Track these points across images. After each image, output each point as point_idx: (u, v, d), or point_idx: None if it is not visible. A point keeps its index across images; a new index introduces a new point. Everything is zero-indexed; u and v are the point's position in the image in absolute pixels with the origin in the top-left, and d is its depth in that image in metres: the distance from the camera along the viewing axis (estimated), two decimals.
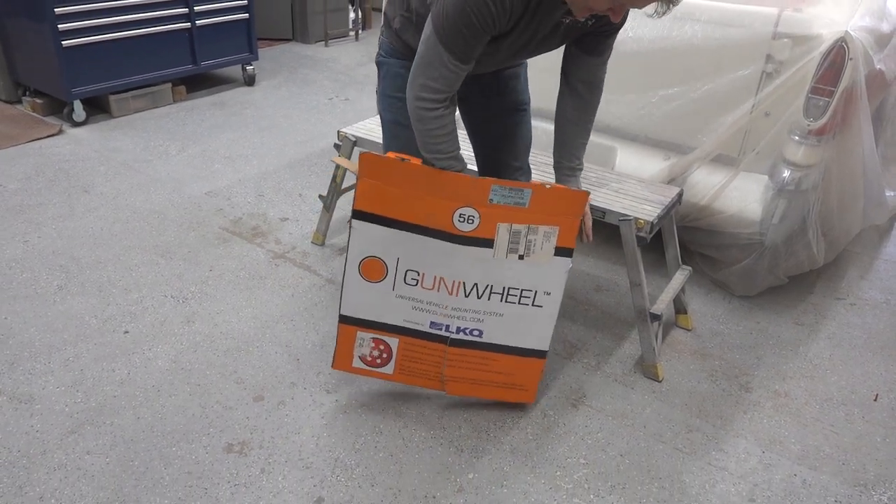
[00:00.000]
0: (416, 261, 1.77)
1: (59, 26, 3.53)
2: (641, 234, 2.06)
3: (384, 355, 1.91)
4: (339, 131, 2.64)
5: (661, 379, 2.16)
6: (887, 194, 3.00)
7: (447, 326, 1.84)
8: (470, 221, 1.70)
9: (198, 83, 4.54)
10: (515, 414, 1.99)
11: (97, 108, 3.99)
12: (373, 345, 1.89)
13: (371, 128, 2.68)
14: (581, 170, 1.88)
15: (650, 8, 1.39)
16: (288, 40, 5.89)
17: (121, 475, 1.73)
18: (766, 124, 2.31)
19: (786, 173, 2.28)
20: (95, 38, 3.70)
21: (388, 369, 1.93)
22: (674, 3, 1.37)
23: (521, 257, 1.75)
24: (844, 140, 2.30)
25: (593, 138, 2.72)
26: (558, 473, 1.81)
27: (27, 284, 2.45)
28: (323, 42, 5.83)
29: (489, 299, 1.80)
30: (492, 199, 1.67)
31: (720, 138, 2.39)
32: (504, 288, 1.79)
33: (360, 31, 6.15)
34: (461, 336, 1.85)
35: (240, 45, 4.51)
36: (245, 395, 2.01)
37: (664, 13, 1.39)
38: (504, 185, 1.66)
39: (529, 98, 1.98)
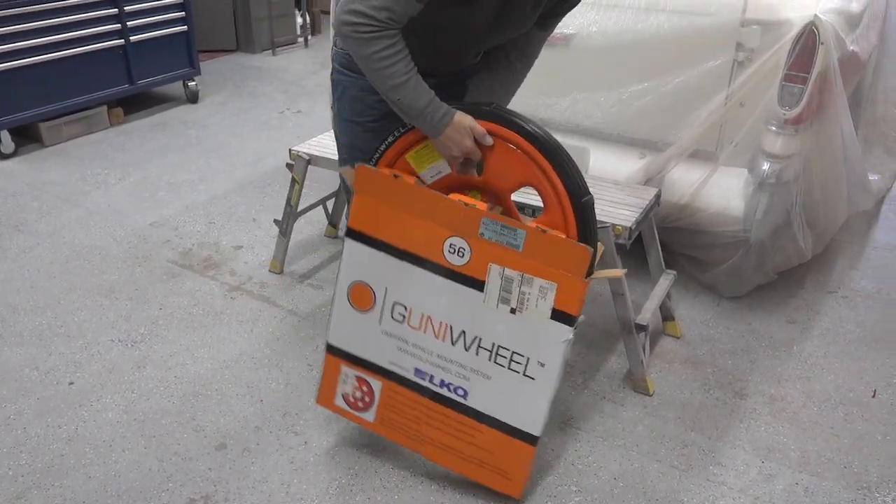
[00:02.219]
0: (404, 293, 1.78)
1: None
2: (620, 241, 2.09)
3: (366, 398, 1.90)
4: (290, 150, 2.64)
5: (651, 393, 2.18)
6: (871, 178, 3.09)
7: (431, 377, 1.82)
8: (461, 254, 1.70)
9: (136, 104, 4.48)
10: None
11: (27, 136, 3.92)
12: (356, 384, 1.89)
13: (326, 144, 2.67)
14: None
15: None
16: (232, 51, 5.86)
17: None
18: (742, 115, 2.36)
19: (765, 166, 2.33)
20: (21, 62, 3.65)
21: (370, 416, 1.91)
22: None
23: (513, 311, 1.69)
24: (822, 127, 2.36)
25: (564, 139, 2.75)
26: (549, 503, 1.82)
27: None
28: (270, 51, 5.81)
29: (477, 354, 1.76)
30: (482, 234, 1.66)
31: (696, 133, 2.44)
32: (493, 344, 1.74)
33: (308, 37, 6.15)
34: (445, 391, 1.82)
35: (179, 59, 4.48)
36: (206, 444, 1.98)
37: None
38: (495, 218, 1.64)
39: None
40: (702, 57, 2.36)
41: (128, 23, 4.07)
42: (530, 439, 1.75)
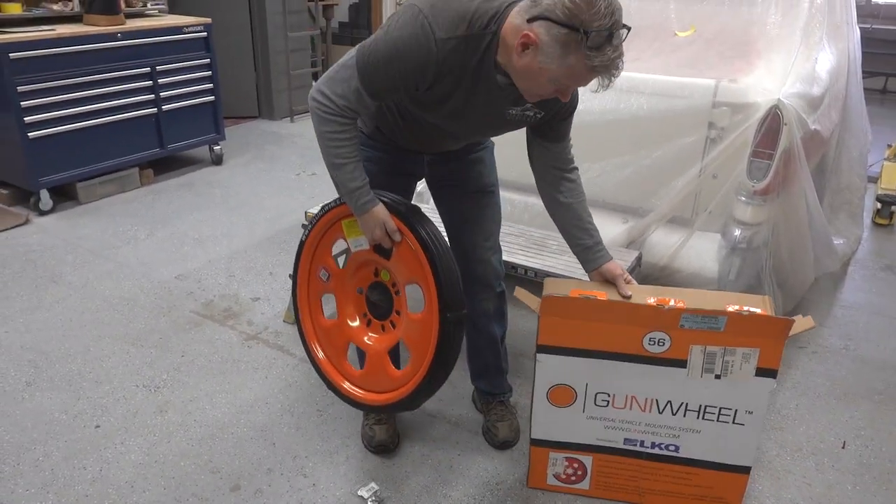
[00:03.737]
0: (606, 384, 1.79)
1: (26, 119, 3.59)
2: None
3: (579, 472, 1.92)
4: (306, 212, 2.71)
5: None
6: (837, 242, 3.15)
7: (641, 442, 1.85)
8: (661, 344, 1.70)
9: (165, 165, 4.60)
10: (494, 487, 2.01)
11: (64, 195, 4.02)
12: (566, 463, 1.91)
13: None
14: (601, 242, 1.86)
15: (593, 84, 1.47)
16: (254, 117, 6.03)
17: None
18: (715, 186, 2.45)
19: (737, 232, 2.41)
20: (62, 128, 3.77)
21: (584, 485, 1.94)
22: (614, 76, 1.44)
23: (717, 377, 1.71)
24: (788, 197, 2.44)
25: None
26: None
27: None
28: (288, 118, 5.98)
29: (685, 416, 1.79)
30: (682, 325, 1.66)
31: (673, 201, 2.52)
32: (700, 406, 1.77)
33: None
34: (656, 451, 1.86)
35: (206, 126, 4.61)
36: (221, 485, 1.99)
37: (607, 87, 1.46)
38: (696, 313, 1.64)
39: (496, 180, 2.04)
40: (678, 134, 2.46)
41: (161, 93, 4.21)
42: (744, 470, 1.85)
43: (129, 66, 4.02)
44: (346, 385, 1.98)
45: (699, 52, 2.93)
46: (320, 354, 2.02)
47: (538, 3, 1.39)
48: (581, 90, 1.61)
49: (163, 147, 4.33)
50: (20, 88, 3.54)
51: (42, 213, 3.83)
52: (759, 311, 1.65)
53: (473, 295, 1.98)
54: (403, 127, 1.80)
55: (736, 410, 1.76)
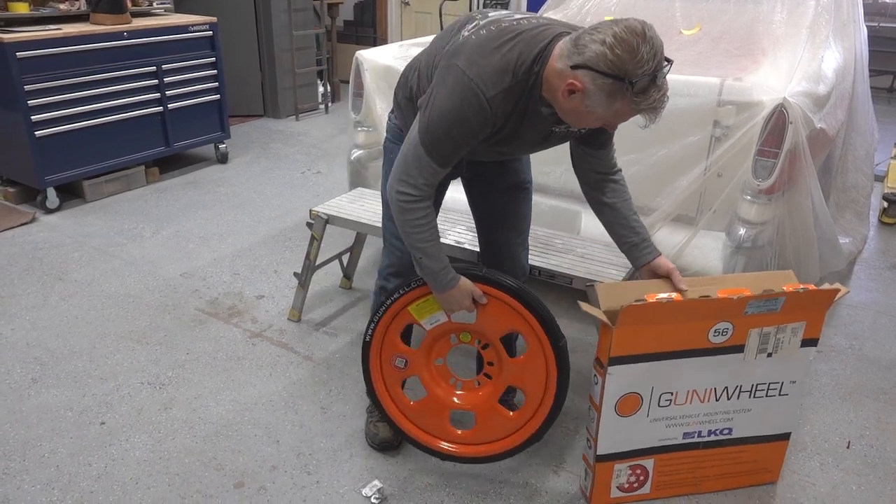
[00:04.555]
0: (669, 384, 1.80)
1: (33, 117, 3.61)
2: None
3: (641, 478, 1.92)
4: (311, 210, 2.71)
5: None
6: (842, 241, 3.13)
7: (699, 433, 1.89)
8: (724, 333, 1.74)
9: (171, 164, 4.62)
10: (497, 485, 2.01)
11: (70, 193, 4.03)
12: (630, 472, 1.90)
13: (343, 205, 2.75)
14: (648, 238, 1.86)
15: (641, 121, 1.47)
16: (259, 116, 6.03)
17: None
18: (720, 185, 2.43)
19: (742, 231, 2.39)
20: (69, 127, 3.78)
21: (646, 489, 1.94)
22: (660, 114, 1.43)
23: (769, 355, 1.79)
24: (794, 196, 2.43)
25: (558, 203, 2.83)
26: None
27: (0, 379, 2.43)
28: (294, 116, 5.98)
29: (738, 398, 1.85)
30: (746, 311, 1.70)
31: (678, 200, 2.51)
32: (752, 385, 1.84)
33: (329, 104, 6.33)
34: (712, 438, 1.90)
35: (212, 124, 4.62)
36: (225, 482, 2.00)
37: (655, 121, 1.45)
38: (760, 297, 1.68)
39: (531, 178, 2.05)
40: (683, 133, 2.45)
41: (167, 92, 4.22)
42: (785, 437, 1.95)
43: (135, 64, 4.03)
44: (459, 447, 1.99)
45: (705, 50, 2.93)
46: (419, 432, 2.01)
47: (581, 52, 1.40)
48: None
49: (168, 145, 4.34)
50: (27, 87, 3.55)
51: (49, 211, 3.84)
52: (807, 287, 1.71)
53: None
54: None
55: (782, 383, 1.84)
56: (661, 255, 1.83)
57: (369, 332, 1.93)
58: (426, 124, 1.56)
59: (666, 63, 1.40)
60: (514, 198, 2.00)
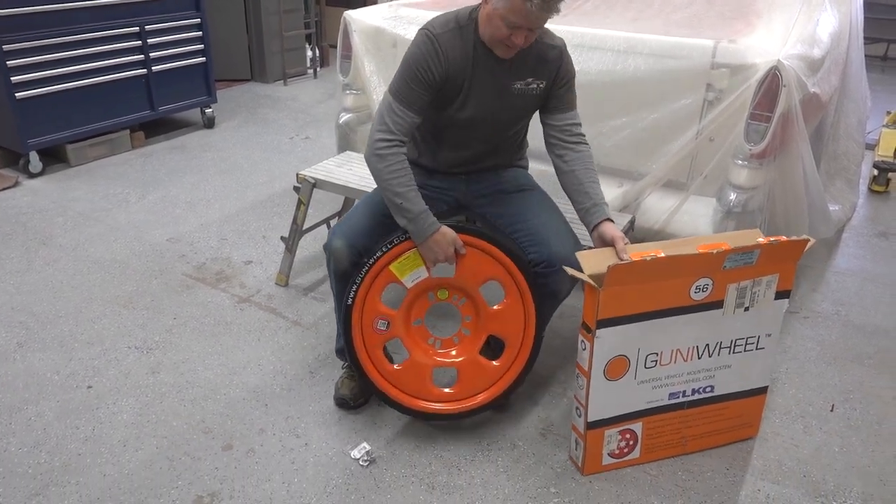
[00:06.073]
0: (654, 343, 1.80)
1: (13, 78, 3.52)
2: None
3: (630, 443, 1.93)
4: (297, 174, 2.68)
5: None
6: (832, 208, 3.13)
7: (683, 392, 1.91)
8: (704, 290, 1.75)
9: (156, 128, 4.54)
10: (485, 447, 2.02)
11: (54, 157, 3.96)
12: (619, 437, 1.91)
13: (330, 169, 2.72)
14: (605, 202, 1.91)
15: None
16: (246, 80, 5.93)
17: None
18: (711, 149, 2.41)
19: (732, 196, 2.38)
20: (50, 89, 3.70)
21: (635, 454, 1.95)
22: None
23: (746, 309, 1.82)
24: (785, 161, 2.41)
25: (547, 168, 2.80)
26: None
27: None
28: (282, 81, 5.88)
29: (719, 355, 1.88)
30: (725, 266, 1.72)
31: (669, 164, 2.48)
32: (731, 341, 1.87)
33: (318, 69, 6.23)
34: (696, 396, 1.93)
35: (198, 88, 4.54)
36: (213, 445, 2.00)
37: (541, 7, 1.64)
38: (738, 251, 1.70)
39: (538, 186, 2.17)
40: (675, 96, 2.41)
41: (151, 54, 4.13)
42: (763, 391, 2.00)
43: (118, 24, 3.93)
44: (443, 405, 1.99)
45: (698, 12, 2.87)
46: (403, 396, 2.00)
47: None
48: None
49: (153, 109, 4.26)
50: (6, 47, 3.46)
51: (32, 176, 3.78)
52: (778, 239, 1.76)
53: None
54: (444, 141, 2.01)
55: (759, 337, 1.88)
56: (609, 219, 1.84)
57: (351, 294, 1.92)
58: (394, 76, 1.83)
59: None
60: (524, 196, 2.09)
